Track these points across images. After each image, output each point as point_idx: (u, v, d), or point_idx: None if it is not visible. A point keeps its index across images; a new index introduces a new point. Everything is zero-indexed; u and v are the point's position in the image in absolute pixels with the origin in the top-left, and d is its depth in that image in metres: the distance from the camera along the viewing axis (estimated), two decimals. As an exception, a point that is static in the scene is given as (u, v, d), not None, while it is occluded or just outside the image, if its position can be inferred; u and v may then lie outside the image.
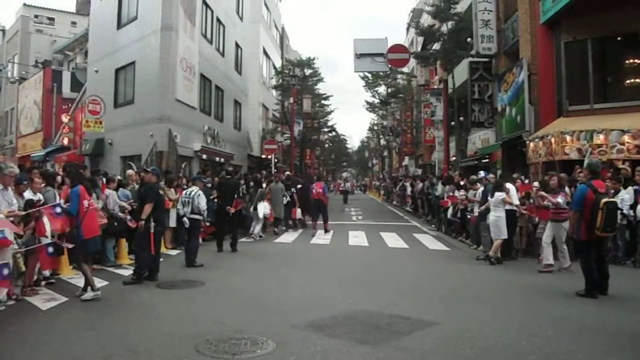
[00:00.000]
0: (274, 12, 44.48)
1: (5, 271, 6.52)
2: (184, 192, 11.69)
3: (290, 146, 36.00)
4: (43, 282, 8.39)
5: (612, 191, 10.04)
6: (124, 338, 5.74)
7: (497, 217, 11.11)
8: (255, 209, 15.66)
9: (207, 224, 13.47)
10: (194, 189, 11.49)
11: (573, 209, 8.35)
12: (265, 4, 39.99)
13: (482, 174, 12.86)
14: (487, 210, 11.58)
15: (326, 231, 17.17)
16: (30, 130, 35.38)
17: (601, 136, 13.48)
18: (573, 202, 8.48)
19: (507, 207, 11.29)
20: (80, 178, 7.98)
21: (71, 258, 9.19)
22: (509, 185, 11.61)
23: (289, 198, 17.55)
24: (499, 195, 11.12)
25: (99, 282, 8.68)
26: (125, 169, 16.12)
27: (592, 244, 8.06)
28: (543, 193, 10.52)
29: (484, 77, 21.33)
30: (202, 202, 11.29)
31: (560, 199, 9.95)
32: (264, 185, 17.05)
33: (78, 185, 7.69)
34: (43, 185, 9.05)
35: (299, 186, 18.65)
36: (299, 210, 18.47)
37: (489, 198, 11.50)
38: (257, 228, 15.81)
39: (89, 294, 7.50)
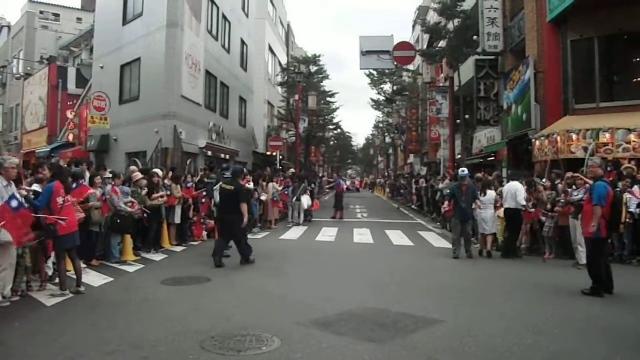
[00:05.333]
0: (280, 9, 44.43)
1: (14, 203, 6.66)
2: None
3: (295, 143, 36.01)
4: (57, 280, 8.42)
5: (619, 189, 10.01)
6: (128, 334, 5.74)
7: (491, 214, 12.12)
8: (299, 200, 18.69)
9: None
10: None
11: (600, 204, 7.75)
12: (271, 1, 39.90)
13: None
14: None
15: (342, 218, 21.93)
16: (36, 127, 35.36)
17: (607, 135, 13.46)
18: (597, 197, 7.80)
19: (514, 205, 11.47)
20: (60, 174, 7.92)
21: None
22: (517, 185, 11.66)
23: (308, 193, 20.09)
24: (491, 194, 12.31)
25: (104, 279, 8.77)
26: (130, 165, 16.12)
27: (606, 242, 8.00)
28: (580, 175, 10.67)
29: (490, 75, 21.29)
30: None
31: (581, 195, 9.91)
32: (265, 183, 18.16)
33: (54, 181, 7.66)
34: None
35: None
36: (318, 202, 22.25)
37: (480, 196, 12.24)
38: (301, 217, 19.12)
39: (58, 293, 7.52)
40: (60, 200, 7.49)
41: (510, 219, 11.80)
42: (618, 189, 10.20)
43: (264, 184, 17.80)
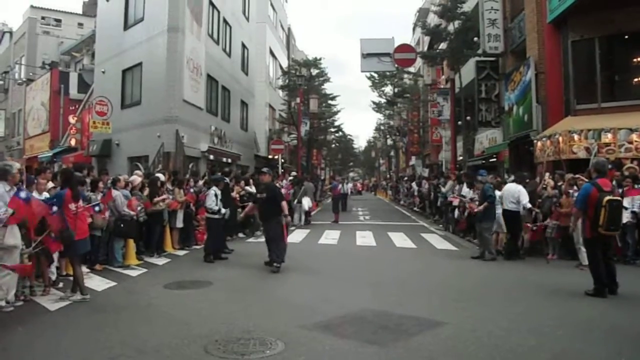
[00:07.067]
0: (280, 13, 44.42)
1: (22, 194, 6.82)
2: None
3: (297, 146, 35.98)
4: (61, 284, 8.46)
5: (619, 190, 10.01)
6: (131, 338, 5.74)
7: (498, 214, 12.06)
8: (300, 202, 19.23)
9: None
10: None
11: (576, 206, 8.37)
12: (272, 4, 39.93)
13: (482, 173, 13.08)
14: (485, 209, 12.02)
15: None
16: (38, 132, 35.45)
17: (609, 135, 13.43)
18: (576, 200, 8.53)
19: (512, 207, 11.48)
20: (70, 182, 7.92)
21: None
22: (518, 187, 11.64)
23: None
24: (498, 194, 12.16)
25: (106, 283, 8.78)
26: (132, 170, 16.13)
27: (597, 242, 8.02)
28: (580, 176, 10.77)
29: (491, 76, 21.29)
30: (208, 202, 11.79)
31: None
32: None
33: (65, 189, 7.68)
34: (52, 186, 9.12)
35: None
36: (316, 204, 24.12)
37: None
38: (302, 219, 19.60)
39: (77, 297, 7.52)
40: (72, 207, 7.53)
41: (509, 221, 11.81)
42: (621, 189, 10.31)
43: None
